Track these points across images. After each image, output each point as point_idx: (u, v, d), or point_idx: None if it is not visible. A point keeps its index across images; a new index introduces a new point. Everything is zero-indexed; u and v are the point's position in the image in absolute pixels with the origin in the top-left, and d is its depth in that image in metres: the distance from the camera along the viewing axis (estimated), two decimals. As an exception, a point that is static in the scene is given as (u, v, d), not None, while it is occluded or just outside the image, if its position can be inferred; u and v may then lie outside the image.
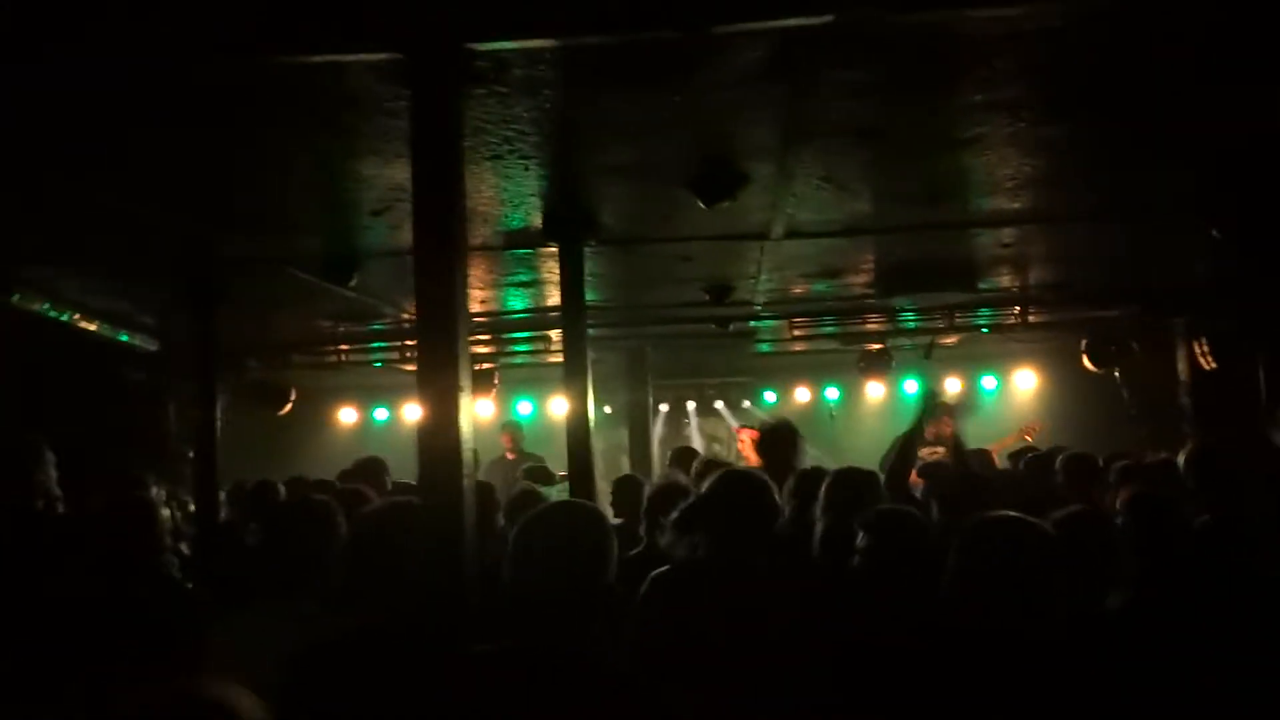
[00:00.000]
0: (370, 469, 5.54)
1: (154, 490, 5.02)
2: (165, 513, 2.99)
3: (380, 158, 3.85)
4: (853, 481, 3.52)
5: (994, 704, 2.18)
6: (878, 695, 2.45)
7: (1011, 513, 2.55)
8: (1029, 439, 7.99)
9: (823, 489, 3.50)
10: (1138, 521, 3.30)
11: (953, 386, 10.78)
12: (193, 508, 5.60)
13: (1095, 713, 2.23)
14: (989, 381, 11.04)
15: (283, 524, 3.12)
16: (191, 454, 6.14)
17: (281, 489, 5.24)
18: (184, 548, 4.99)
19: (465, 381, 2.84)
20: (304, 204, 4.62)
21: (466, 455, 2.82)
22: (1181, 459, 4.12)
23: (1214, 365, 7.40)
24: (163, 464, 7.36)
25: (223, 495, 5.86)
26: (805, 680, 2.68)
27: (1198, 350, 7.61)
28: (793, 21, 2.83)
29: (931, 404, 5.62)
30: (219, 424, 5.99)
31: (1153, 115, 3.81)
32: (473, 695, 2.10)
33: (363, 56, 2.98)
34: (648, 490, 4.61)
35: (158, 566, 3.31)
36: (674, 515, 3.19)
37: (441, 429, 2.77)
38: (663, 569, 3.10)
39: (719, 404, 11.56)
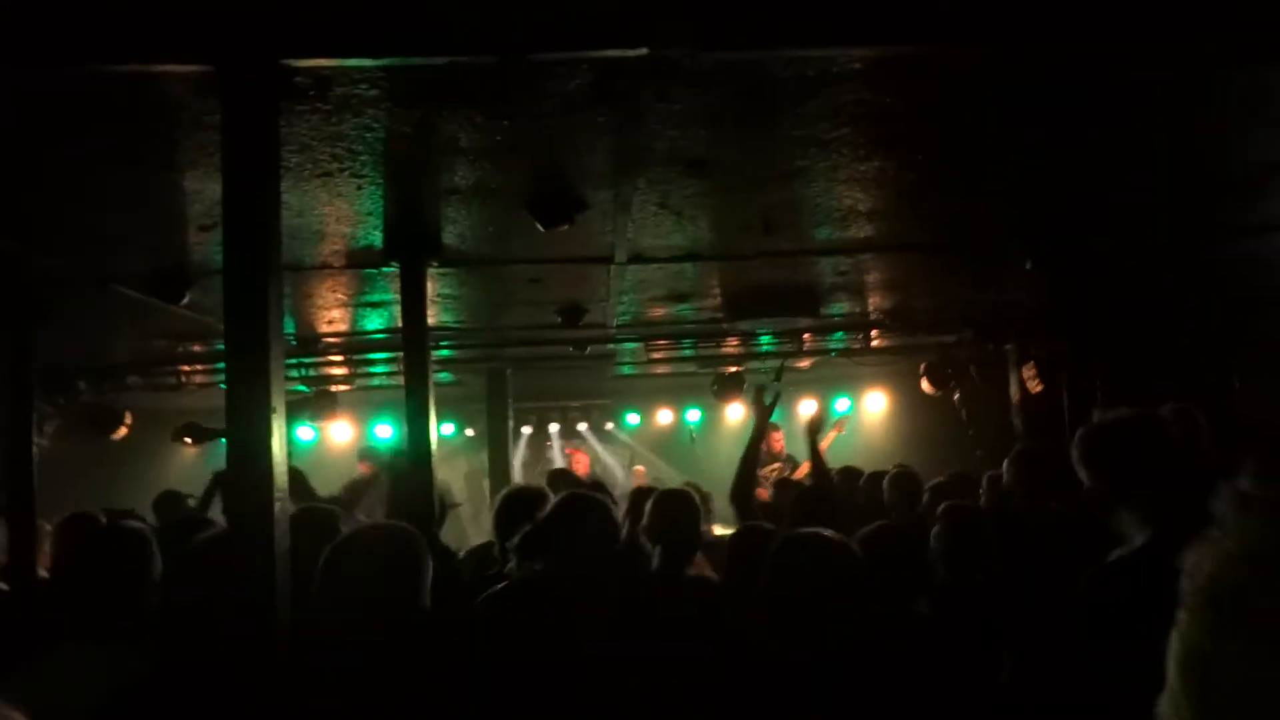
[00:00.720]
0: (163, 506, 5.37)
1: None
2: None
3: (203, 171, 3.73)
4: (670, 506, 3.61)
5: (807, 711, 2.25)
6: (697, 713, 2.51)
7: (815, 530, 2.65)
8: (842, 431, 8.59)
9: (647, 510, 3.57)
10: (948, 532, 3.51)
11: (808, 407, 11.13)
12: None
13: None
14: (842, 403, 11.46)
15: (94, 556, 2.95)
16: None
17: (101, 519, 4.97)
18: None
19: (278, 403, 2.78)
20: (127, 220, 4.42)
21: (279, 479, 2.75)
22: (1005, 464, 4.39)
23: (1040, 387, 7.88)
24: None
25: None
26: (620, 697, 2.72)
27: (1026, 374, 8.09)
28: (609, 53, 2.90)
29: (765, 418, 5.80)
30: (39, 450, 5.64)
31: (961, 154, 4.07)
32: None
33: (174, 68, 2.90)
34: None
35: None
36: (516, 540, 3.19)
37: (251, 454, 2.70)
38: (496, 588, 3.11)
39: (582, 425, 11.61)
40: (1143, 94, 3.40)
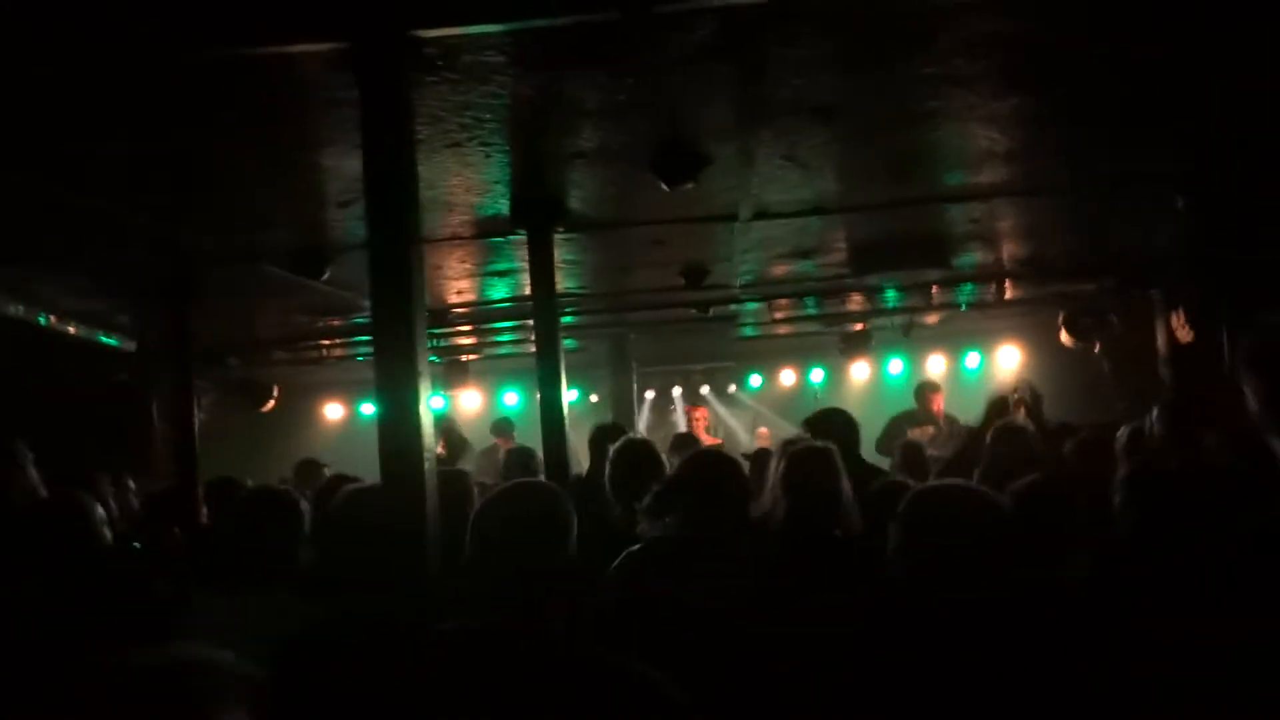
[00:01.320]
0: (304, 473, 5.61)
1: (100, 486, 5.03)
2: (100, 511, 2.96)
3: (338, 149, 3.86)
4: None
5: (959, 677, 2.16)
6: (846, 678, 2.44)
7: (955, 481, 2.56)
8: (1016, 414, 8.07)
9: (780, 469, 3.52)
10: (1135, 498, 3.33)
11: (936, 366, 10.85)
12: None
13: (1054, 685, 2.25)
14: (973, 359, 11.08)
15: (249, 515, 3.12)
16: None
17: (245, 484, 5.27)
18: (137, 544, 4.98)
19: (423, 370, 2.87)
20: (269, 198, 4.63)
21: (427, 443, 2.85)
22: (1154, 413, 4.17)
23: (1191, 336, 7.42)
24: (148, 462, 7.39)
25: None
26: (778, 659, 2.71)
27: (1175, 322, 7.63)
28: (732, 0, 2.85)
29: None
30: (199, 421, 6.01)
31: (1107, 81, 3.83)
32: (434, 675, 2.12)
33: (308, 47, 3.00)
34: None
35: (99, 564, 3.29)
36: (647, 500, 3.20)
37: (400, 420, 2.80)
38: (636, 546, 3.14)
39: (705, 389, 11.60)
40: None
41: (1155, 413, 4.26)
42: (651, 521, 3.19)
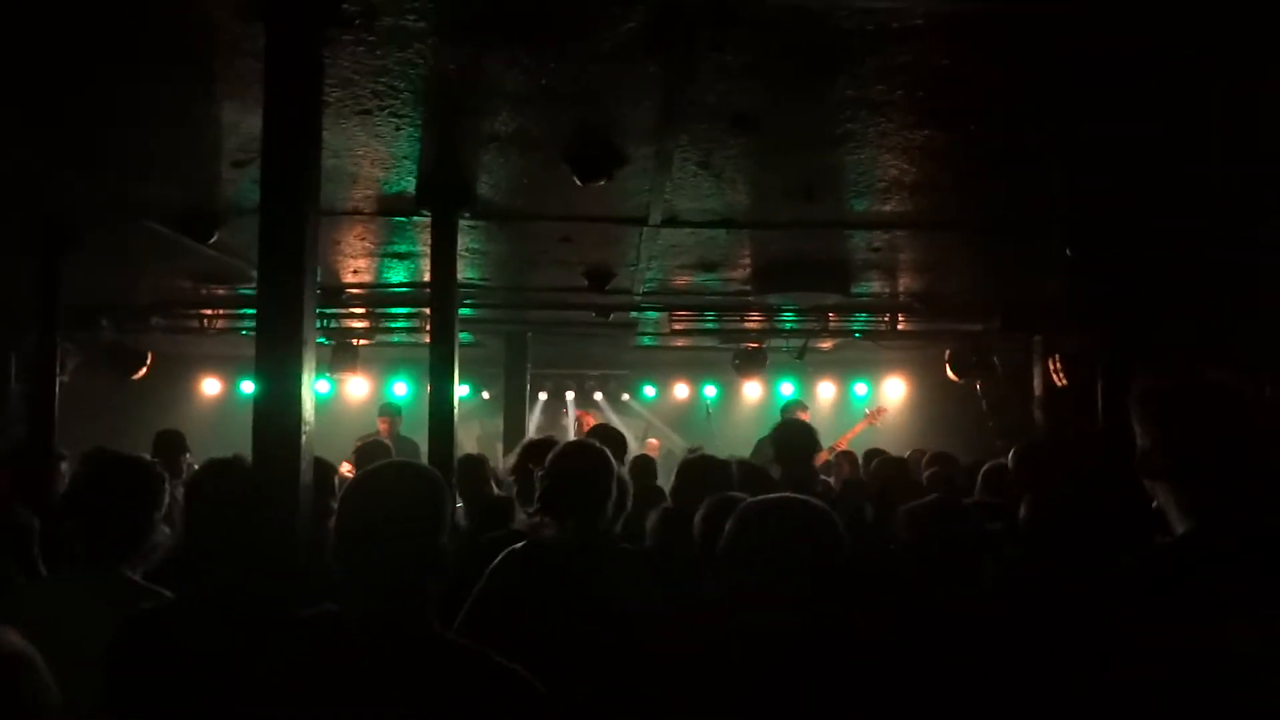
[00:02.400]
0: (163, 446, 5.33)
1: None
2: None
3: (240, 103, 3.66)
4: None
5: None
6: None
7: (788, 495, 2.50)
8: (875, 423, 8.38)
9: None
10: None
11: (826, 391, 11.06)
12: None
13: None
14: (860, 388, 11.37)
15: (104, 484, 2.90)
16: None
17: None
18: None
19: (309, 347, 2.72)
20: (160, 148, 4.35)
21: (306, 421, 2.70)
22: (1010, 457, 4.31)
23: (1065, 382, 7.78)
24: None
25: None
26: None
27: (1051, 367, 7.99)
28: (667, -7, 2.83)
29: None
30: (61, 386, 5.63)
31: (1016, 127, 3.96)
32: (294, 661, 1.99)
33: (219, -13, 2.83)
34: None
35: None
36: (539, 498, 3.12)
37: (279, 398, 2.64)
38: (518, 545, 3.07)
39: (598, 395, 11.56)
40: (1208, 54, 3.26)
41: (1011, 454, 4.42)
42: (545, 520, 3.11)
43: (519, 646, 2.52)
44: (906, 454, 6.02)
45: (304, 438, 2.66)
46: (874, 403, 10.53)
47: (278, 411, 2.63)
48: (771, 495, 2.29)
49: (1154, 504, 2.11)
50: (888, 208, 5.06)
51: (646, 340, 9.77)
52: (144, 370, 8.86)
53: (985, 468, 4.66)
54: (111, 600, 2.45)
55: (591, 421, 9.74)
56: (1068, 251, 5.44)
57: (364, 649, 1.96)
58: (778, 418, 10.50)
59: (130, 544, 2.61)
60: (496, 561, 3.03)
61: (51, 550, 3.22)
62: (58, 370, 5.65)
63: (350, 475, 6.28)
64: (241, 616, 2.47)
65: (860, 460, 6.60)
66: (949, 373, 8.91)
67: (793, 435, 4.39)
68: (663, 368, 11.43)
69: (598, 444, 3.16)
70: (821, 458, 7.11)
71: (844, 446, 7.33)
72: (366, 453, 5.64)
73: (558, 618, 2.77)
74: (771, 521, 2.13)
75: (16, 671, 1.23)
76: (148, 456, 4.19)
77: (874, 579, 2.74)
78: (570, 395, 11.49)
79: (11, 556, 3.16)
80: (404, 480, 2.23)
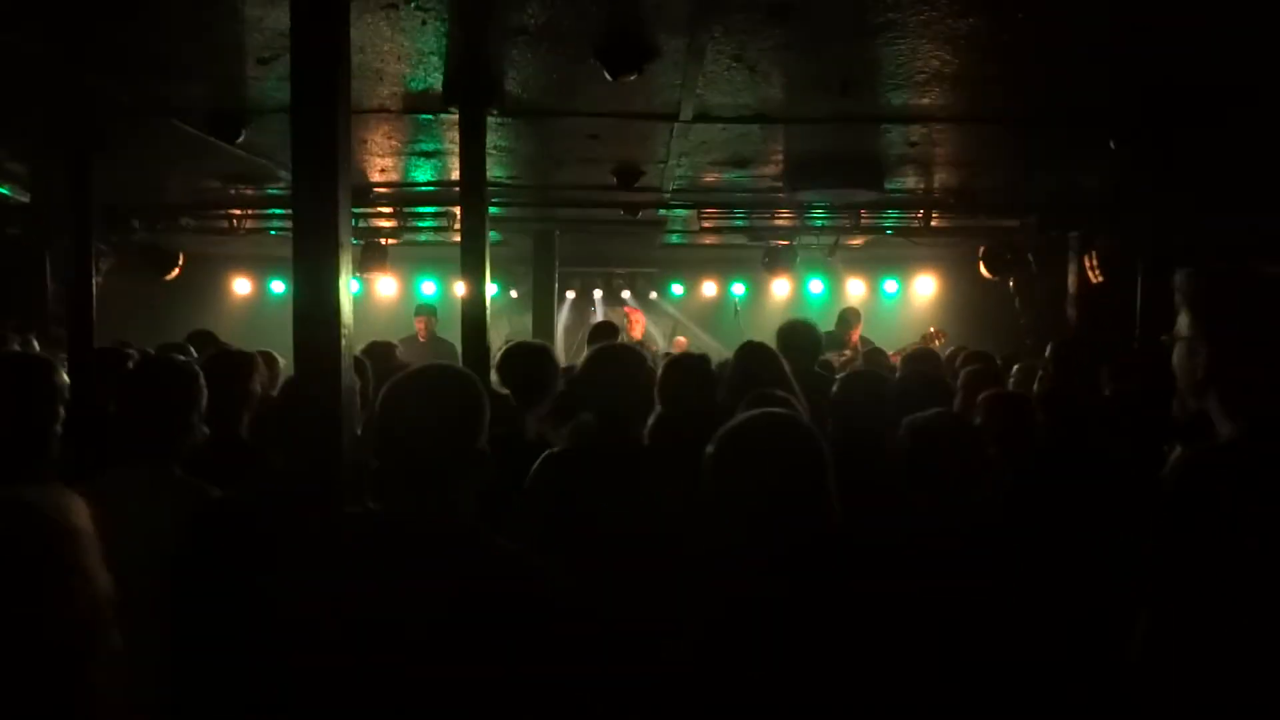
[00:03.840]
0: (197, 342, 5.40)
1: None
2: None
3: (265, -4, 3.59)
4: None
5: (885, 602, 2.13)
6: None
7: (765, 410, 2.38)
8: (939, 343, 8.25)
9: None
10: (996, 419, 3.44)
11: (856, 289, 10.99)
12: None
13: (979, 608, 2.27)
14: (891, 285, 11.27)
15: (142, 385, 2.92)
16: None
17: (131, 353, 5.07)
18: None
19: (345, 249, 2.72)
20: (185, 45, 4.28)
21: (345, 322, 2.72)
22: (1047, 353, 4.29)
23: (1101, 279, 7.66)
24: (39, 323, 7.01)
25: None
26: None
27: (1087, 264, 7.86)
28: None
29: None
30: (96, 286, 5.69)
31: (1064, 17, 3.80)
32: (338, 556, 2.06)
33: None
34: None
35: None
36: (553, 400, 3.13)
37: (318, 299, 2.66)
38: (555, 449, 3.08)
39: (626, 293, 11.55)
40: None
41: (1049, 351, 4.39)
42: (555, 422, 3.13)
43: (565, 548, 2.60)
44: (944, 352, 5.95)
45: (344, 340, 2.69)
46: (912, 310, 10.34)
47: (317, 314, 2.66)
48: (746, 415, 2.29)
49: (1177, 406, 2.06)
50: (926, 100, 4.91)
51: (674, 238, 9.68)
52: (176, 270, 8.92)
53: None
54: (165, 494, 2.55)
55: (641, 321, 9.60)
56: (1111, 143, 5.27)
57: (403, 546, 2.00)
58: (810, 315, 10.53)
59: (177, 442, 2.69)
60: (538, 466, 3.03)
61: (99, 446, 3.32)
62: (94, 270, 5.71)
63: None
64: (292, 511, 2.56)
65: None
66: (982, 269, 8.79)
67: (796, 335, 4.40)
68: (690, 265, 11.36)
69: (635, 348, 3.19)
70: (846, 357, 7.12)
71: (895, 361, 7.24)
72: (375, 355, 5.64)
73: (607, 521, 2.79)
74: (742, 444, 2.15)
75: (75, 545, 1.27)
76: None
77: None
78: (598, 293, 11.48)
79: (89, 448, 3.29)
80: (443, 384, 2.24)
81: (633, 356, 3.09)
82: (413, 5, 3.68)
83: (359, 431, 3.02)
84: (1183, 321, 2.01)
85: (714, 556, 2.12)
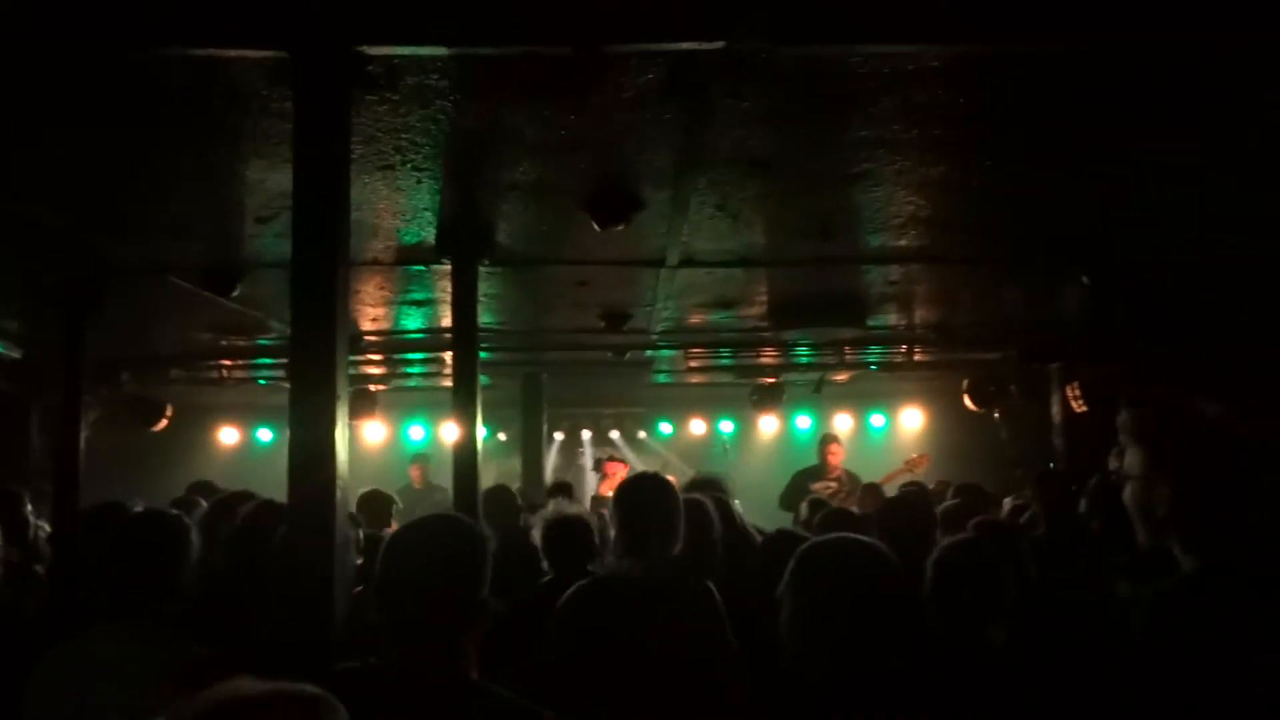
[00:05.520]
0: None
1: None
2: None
3: (266, 161, 3.72)
4: None
5: None
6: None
7: (846, 534, 2.41)
8: (915, 472, 8.24)
9: None
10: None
11: (843, 424, 11.03)
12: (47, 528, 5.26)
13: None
14: (877, 419, 11.33)
15: (130, 541, 2.84)
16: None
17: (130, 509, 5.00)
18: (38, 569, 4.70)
19: (343, 397, 2.75)
20: (185, 208, 4.42)
21: (340, 472, 2.72)
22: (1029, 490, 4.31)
23: (1084, 409, 7.74)
24: (23, 479, 6.92)
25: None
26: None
27: (1070, 394, 7.96)
28: (685, 46, 2.87)
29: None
30: (84, 439, 5.66)
31: (1032, 160, 3.99)
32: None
33: (247, 53, 2.89)
34: (542, 524, 4.20)
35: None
36: (621, 533, 3.12)
37: (314, 447, 2.66)
38: (583, 581, 3.10)
39: (614, 433, 11.55)
40: (1228, 95, 3.29)
41: (1033, 484, 4.40)
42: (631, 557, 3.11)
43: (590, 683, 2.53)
44: (931, 485, 5.96)
45: (339, 491, 2.68)
46: (899, 444, 10.34)
47: (312, 463, 2.66)
48: (830, 536, 2.32)
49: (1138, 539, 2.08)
50: (904, 242, 5.07)
51: (662, 378, 9.77)
52: (164, 422, 8.89)
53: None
54: (143, 655, 2.46)
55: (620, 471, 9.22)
56: (1084, 278, 5.44)
57: (404, 701, 1.97)
58: (794, 450, 10.55)
59: (160, 599, 2.63)
60: (566, 598, 3.05)
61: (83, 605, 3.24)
62: (81, 425, 5.69)
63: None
64: (281, 669, 2.48)
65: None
66: (967, 402, 8.87)
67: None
68: (678, 404, 11.42)
69: (664, 476, 3.24)
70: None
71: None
72: (371, 505, 5.61)
73: (630, 654, 2.81)
74: (830, 562, 2.13)
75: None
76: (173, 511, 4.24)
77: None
78: (587, 434, 11.48)
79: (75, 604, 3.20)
80: (444, 533, 2.24)
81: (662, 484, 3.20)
82: (409, 166, 3.83)
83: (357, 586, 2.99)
84: (1133, 459, 2.07)
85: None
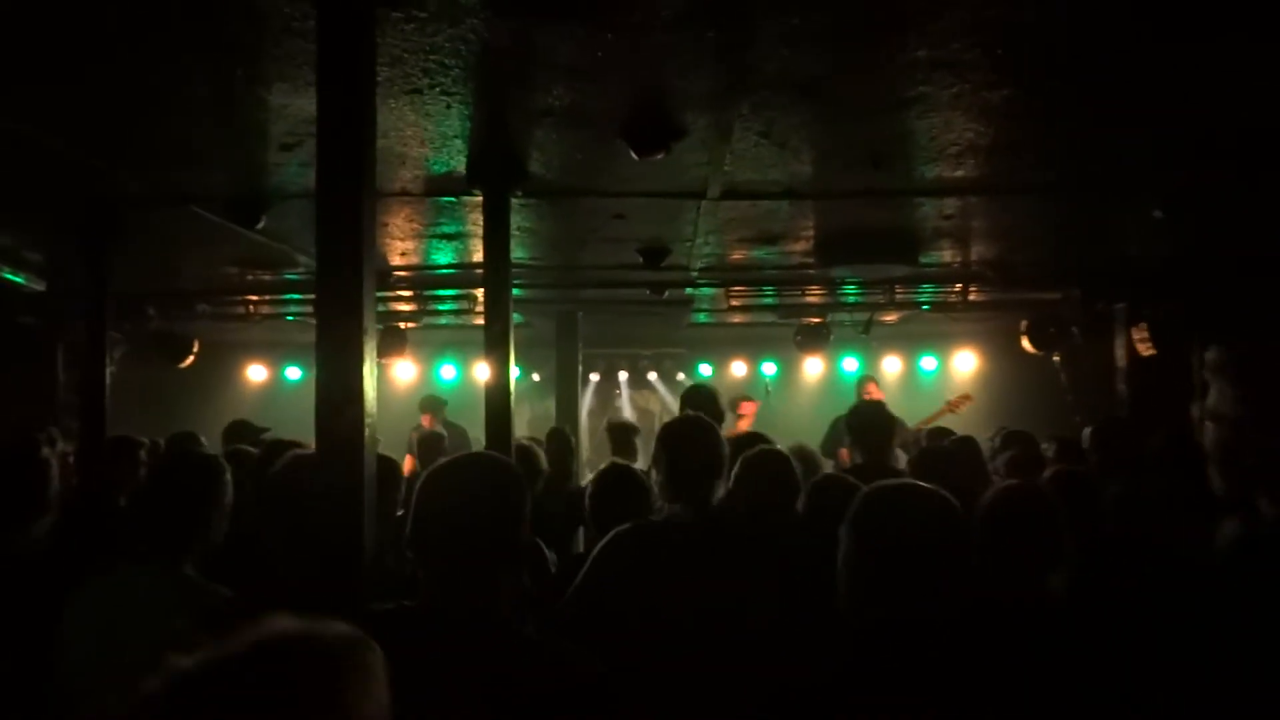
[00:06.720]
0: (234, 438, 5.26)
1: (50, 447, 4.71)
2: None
3: (289, 85, 3.52)
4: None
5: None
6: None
7: (905, 480, 2.37)
8: (958, 411, 8.04)
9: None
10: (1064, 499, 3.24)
11: (892, 366, 10.77)
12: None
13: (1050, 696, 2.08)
14: (929, 362, 11.03)
15: (162, 480, 2.89)
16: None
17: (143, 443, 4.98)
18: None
19: (370, 334, 2.60)
20: (208, 135, 4.24)
21: (369, 410, 2.59)
22: (1086, 434, 4.10)
23: (1152, 351, 7.38)
24: (50, 414, 6.93)
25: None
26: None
27: (1136, 336, 7.61)
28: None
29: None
30: (110, 375, 5.59)
31: (1102, 82, 3.68)
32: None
33: (267, -33, 2.68)
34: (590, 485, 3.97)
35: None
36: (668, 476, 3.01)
37: (341, 385, 2.54)
38: (625, 526, 3.01)
39: (652, 375, 11.38)
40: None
41: (1086, 434, 4.19)
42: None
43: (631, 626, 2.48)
44: (987, 436, 5.65)
45: (368, 430, 2.56)
46: (951, 388, 9.99)
47: (340, 403, 2.53)
48: (894, 480, 2.23)
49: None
50: (961, 173, 4.78)
51: (702, 317, 9.55)
52: (191, 358, 8.85)
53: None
54: (170, 596, 2.49)
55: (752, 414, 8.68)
56: (1156, 212, 5.11)
57: (440, 643, 1.91)
58: (840, 394, 10.28)
59: (191, 540, 2.64)
60: (606, 541, 2.99)
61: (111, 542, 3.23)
62: (107, 359, 5.62)
63: (410, 470, 6.22)
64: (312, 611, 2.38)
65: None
66: (1025, 344, 8.54)
67: (870, 419, 4.20)
68: (719, 345, 11.20)
69: (706, 418, 3.14)
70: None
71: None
72: (427, 445, 5.57)
73: (676, 597, 2.75)
74: (895, 507, 2.02)
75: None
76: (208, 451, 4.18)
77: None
78: (624, 375, 11.33)
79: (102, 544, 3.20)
80: (482, 473, 2.15)
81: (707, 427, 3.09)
82: (437, 89, 3.61)
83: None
84: (1223, 400, 1.88)
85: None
